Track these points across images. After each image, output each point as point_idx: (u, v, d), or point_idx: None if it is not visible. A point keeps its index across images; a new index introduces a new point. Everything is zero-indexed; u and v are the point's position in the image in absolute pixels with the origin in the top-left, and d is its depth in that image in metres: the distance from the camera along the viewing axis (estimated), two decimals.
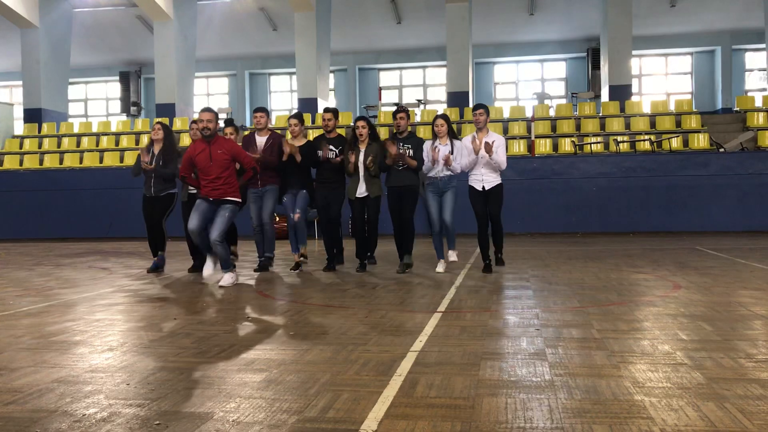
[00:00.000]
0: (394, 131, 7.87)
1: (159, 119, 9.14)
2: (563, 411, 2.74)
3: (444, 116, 7.60)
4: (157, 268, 8.22)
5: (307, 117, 17.92)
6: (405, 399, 2.93)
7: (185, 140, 18.07)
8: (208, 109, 6.93)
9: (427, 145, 7.55)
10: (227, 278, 6.88)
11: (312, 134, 13.98)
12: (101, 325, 4.83)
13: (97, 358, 3.78)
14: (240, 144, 7.89)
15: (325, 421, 2.66)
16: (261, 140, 7.92)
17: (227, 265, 6.92)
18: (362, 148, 7.69)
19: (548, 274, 7.40)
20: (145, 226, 8.20)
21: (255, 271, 8.05)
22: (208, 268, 7.11)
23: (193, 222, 6.83)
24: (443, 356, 3.68)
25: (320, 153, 7.85)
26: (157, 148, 8.07)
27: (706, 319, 4.64)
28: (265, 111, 8.04)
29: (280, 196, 8.04)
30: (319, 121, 16.58)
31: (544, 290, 6.20)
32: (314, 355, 3.78)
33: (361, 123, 7.72)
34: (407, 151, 7.55)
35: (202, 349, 3.97)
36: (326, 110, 8.05)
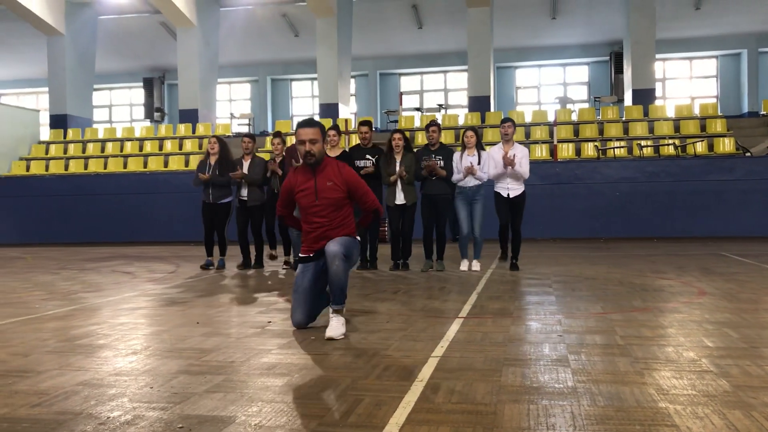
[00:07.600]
0: (427, 143, 8.47)
1: (214, 135, 9.88)
2: (586, 418, 2.71)
3: (474, 128, 8.33)
4: (219, 268, 9.04)
5: (327, 122, 18.00)
6: (426, 405, 2.92)
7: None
8: (309, 122, 4.80)
9: (456, 156, 8.18)
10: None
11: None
12: (125, 328, 4.88)
13: (121, 362, 3.82)
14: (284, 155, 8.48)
15: (346, 426, 2.66)
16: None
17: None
18: (398, 159, 8.27)
19: (571, 280, 7.35)
20: (204, 228, 9.04)
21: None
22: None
23: (298, 315, 4.77)
24: (465, 362, 3.67)
25: (358, 163, 8.37)
26: (213, 160, 8.94)
27: (732, 326, 4.57)
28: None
29: None
30: (342, 127, 16.60)
31: (566, 296, 6.16)
32: (335, 359, 3.78)
33: (397, 135, 8.29)
34: (438, 162, 8.14)
35: (224, 352, 3.99)
36: (363, 123, 8.68)
